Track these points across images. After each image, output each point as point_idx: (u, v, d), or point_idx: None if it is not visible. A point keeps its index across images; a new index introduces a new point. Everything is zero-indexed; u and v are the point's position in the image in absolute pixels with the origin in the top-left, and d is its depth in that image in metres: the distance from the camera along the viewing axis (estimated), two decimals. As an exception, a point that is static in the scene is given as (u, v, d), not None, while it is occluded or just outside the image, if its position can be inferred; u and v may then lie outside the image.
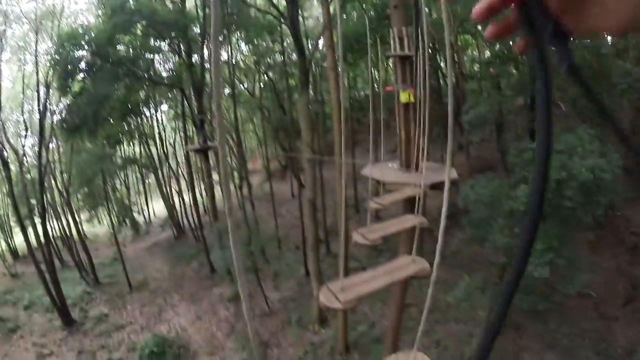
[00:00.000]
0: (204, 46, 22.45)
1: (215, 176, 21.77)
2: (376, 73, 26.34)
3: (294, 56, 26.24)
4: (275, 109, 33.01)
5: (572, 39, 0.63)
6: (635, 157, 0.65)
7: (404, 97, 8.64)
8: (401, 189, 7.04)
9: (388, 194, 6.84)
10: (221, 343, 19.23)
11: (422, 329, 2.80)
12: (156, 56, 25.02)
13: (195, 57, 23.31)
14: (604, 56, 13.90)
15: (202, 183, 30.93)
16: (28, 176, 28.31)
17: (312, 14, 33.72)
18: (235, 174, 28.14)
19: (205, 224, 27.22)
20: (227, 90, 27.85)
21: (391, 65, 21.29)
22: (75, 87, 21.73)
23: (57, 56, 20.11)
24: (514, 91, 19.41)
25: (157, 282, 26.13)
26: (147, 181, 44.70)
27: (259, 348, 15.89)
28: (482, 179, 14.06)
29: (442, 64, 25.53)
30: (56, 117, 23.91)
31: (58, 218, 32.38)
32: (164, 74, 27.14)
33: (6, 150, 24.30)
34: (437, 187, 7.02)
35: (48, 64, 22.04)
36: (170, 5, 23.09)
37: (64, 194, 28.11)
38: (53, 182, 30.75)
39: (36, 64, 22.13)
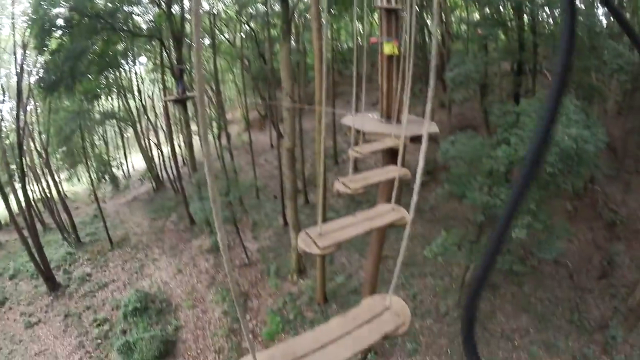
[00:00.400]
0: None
1: (193, 127, 21.45)
2: (360, 26, 25.86)
3: (277, 6, 25.50)
4: (256, 59, 32.34)
5: None
6: None
7: (387, 48, 8.44)
8: (382, 139, 6.99)
9: (368, 144, 6.76)
10: (202, 295, 19.50)
11: (398, 273, 2.79)
12: (135, 8, 24.08)
13: (175, 8, 22.47)
14: (598, 34, 13.76)
15: (180, 134, 30.74)
16: (7, 141, 27.69)
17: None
18: (214, 123, 27.81)
19: (184, 175, 27.12)
20: (207, 41, 27.09)
21: (376, 19, 20.87)
22: (53, 44, 21.02)
23: (34, 15, 19.30)
24: (501, 54, 19.27)
25: (137, 236, 26.12)
26: (125, 135, 44.06)
27: (240, 299, 16.15)
28: (463, 136, 14.03)
29: (428, 22, 25.08)
30: (33, 78, 23.24)
31: (38, 180, 32.12)
32: (143, 26, 26.22)
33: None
34: (417, 140, 6.97)
35: (25, 25, 21.20)
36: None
37: (43, 154, 27.59)
38: (32, 144, 30.08)
39: (13, 26, 21.37)
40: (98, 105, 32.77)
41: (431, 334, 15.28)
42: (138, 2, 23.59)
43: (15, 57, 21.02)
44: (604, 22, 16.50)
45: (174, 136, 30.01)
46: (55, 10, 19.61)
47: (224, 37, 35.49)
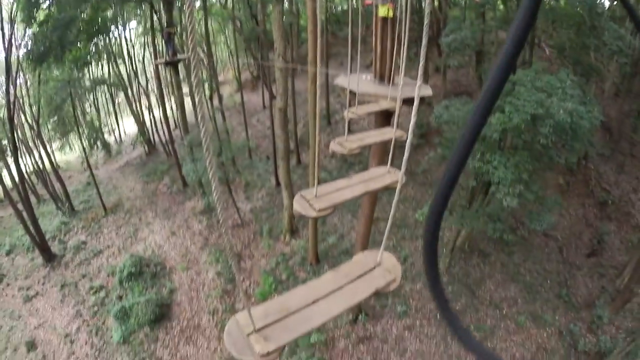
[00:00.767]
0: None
1: (185, 89, 21.10)
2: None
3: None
4: (248, 20, 31.64)
5: None
6: None
7: (382, 10, 8.34)
8: (377, 101, 6.97)
9: (364, 105, 6.75)
10: (196, 257, 19.68)
11: (388, 232, 2.84)
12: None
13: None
14: (599, 14, 13.55)
15: (172, 97, 30.33)
16: (-3, 117, 27.23)
17: None
18: (206, 85, 27.39)
19: (176, 138, 26.90)
20: (198, 3, 26.44)
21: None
22: (41, 16, 20.51)
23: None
24: (498, 23, 19.01)
25: (131, 201, 26.06)
26: (117, 101, 43.36)
27: (235, 258, 16.30)
28: (457, 101, 13.96)
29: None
30: (22, 51, 22.65)
31: (30, 153, 31.66)
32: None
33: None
34: (411, 102, 6.91)
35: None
36: None
37: (34, 127, 27.15)
38: (23, 117, 29.58)
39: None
40: (88, 72, 32.27)
41: (421, 297, 15.58)
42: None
43: (3, 32, 20.45)
44: (606, 3, 16.33)
45: (166, 99, 29.68)
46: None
47: (216, -2, 34.68)
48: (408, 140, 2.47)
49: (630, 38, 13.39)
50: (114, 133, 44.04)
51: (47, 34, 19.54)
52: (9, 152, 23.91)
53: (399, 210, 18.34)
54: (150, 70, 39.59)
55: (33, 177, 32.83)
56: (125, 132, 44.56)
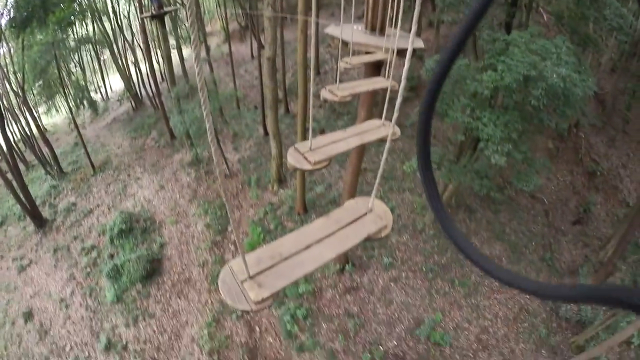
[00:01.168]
0: None
1: (171, 41, 20.60)
2: None
3: None
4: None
5: None
6: None
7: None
8: (372, 52, 6.91)
9: (358, 56, 6.69)
10: (184, 210, 19.76)
11: (379, 179, 2.88)
12: None
13: None
14: None
15: (158, 51, 29.84)
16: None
17: None
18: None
19: (163, 91, 26.54)
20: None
21: None
22: None
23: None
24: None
25: (119, 158, 25.89)
26: (102, 58, 42.35)
27: (225, 209, 16.19)
28: (450, 56, 13.80)
29: None
30: (4, 20, 21.99)
31: (17, 121, 31.15)
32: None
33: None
34: (403, 54, 6.85)
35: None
36: None
37: (20, 93, 26.44)
38: (8, 85, 28.77)
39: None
40: (73, 32, 31.35)
41: (407, 249, 15.82)
42: None
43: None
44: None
45: (152, 53, 29.06)
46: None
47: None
48: (401, 88, 2.49)
49: (632, 19, 13.26)
50: (100, 91, 43.22)
51: (29, -1, 18.84)
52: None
53: (387, 162, 18.45)
54: (135, 24, 38.48)
55: (21, 145, 32.43)
56: (111, 89, 43.80)
